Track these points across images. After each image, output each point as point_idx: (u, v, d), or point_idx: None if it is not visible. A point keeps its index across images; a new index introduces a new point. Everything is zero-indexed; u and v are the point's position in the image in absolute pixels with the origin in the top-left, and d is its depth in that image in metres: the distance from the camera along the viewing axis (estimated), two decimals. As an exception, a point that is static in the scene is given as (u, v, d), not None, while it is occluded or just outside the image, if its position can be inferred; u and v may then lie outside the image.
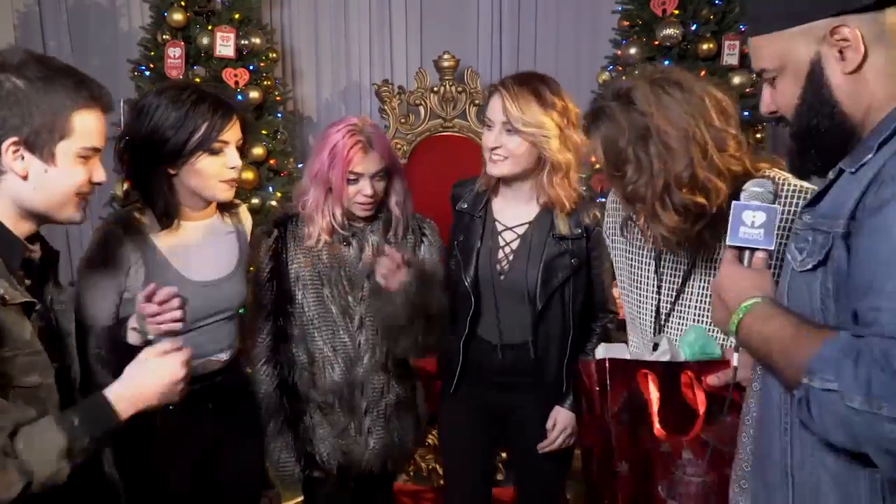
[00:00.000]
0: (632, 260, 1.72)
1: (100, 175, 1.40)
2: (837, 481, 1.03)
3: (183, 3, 3.30)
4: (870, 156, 1.02)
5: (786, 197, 1.45)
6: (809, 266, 1.05)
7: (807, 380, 0.94)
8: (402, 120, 3.59)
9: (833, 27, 1.04)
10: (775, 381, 1.10)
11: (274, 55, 3.56)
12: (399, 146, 3.58)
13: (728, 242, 1.23)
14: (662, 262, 1.65)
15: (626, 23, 3.34)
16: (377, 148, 1.94)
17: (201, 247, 1.84)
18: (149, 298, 1.48)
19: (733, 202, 1.25)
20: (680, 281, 1.63)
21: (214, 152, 1.74)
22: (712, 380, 1.41)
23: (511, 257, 1.98)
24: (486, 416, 2.08)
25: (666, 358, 1.47)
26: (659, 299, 1.66)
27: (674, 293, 1.64)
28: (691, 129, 1.41)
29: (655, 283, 1.66)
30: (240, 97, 3.31)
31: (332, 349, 1.98)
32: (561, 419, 2.00)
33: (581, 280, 1.98)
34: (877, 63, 1.05)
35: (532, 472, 2.10)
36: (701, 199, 1.43)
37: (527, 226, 1.99)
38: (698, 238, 1.52)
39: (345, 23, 3.93)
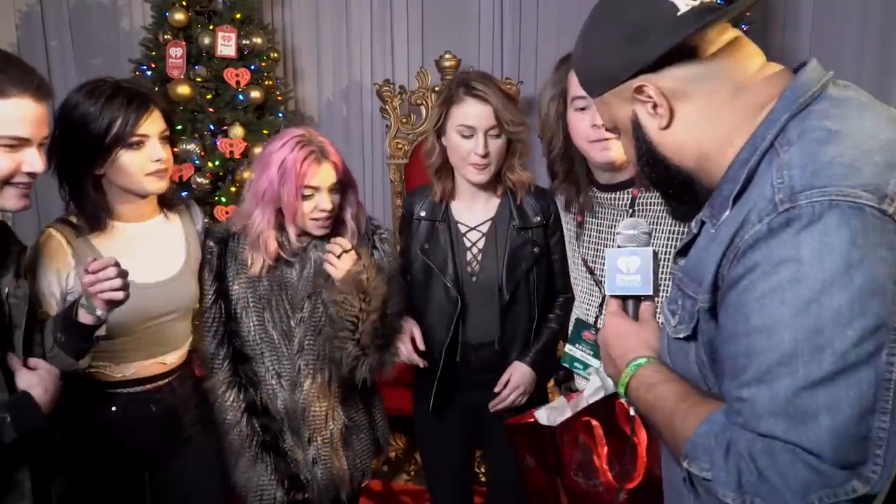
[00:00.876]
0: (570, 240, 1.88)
1: (33, 165, 1.37)
2: None
3: (184, 3, 3.30)
4: (727, 212, 0.95)
5: None
6: (682, 335, 1.00)
7: (685, 463, 0.90)
8: (404, 120, 3.59)
9: (636, 87, 1.02)
10: None
11: (275, 55, 3.56)
12: (400, 146, 3.59)
13: (607, 293, 1.19)
14: (588, 233, 1.80)
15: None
16: (331, 158, 1.83)
17: (143, 248, 1.78)
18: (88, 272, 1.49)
19: (606, 250, 1.21)
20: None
21: (134, 146, 1.68)
22: None
23: (480, 257, 1.99)
24: (465, 417, 2.09)
25: (601, 395, 1.43)
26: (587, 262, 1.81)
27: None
28: None
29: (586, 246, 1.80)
30: (241, 97, 3.32)
31: (275, 374, 1.88)
32: (516, 375, 1.99)
33: (543, 268, 2.00)
34: (688, 114, 1.01)
35: (505, 468, 2.03)
36: None
37: (489, 223, 2.00)
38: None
39: (346, 22, 3.92)
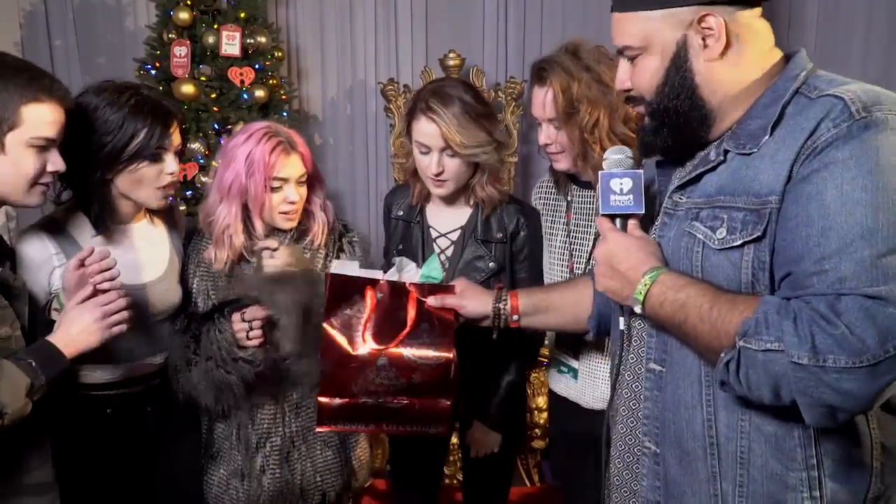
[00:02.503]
0: (549, 234, 1.98)
1: (56, 164, 1.51)
2: (773, 443, 1.10)
3: (189, 2, 3.30)
4: (765, 137, 1.10)
5: None
6: (737, 242, 1.08)
7: (742, 342, 1.01)
8: (408, 119, 3.59)
9: (701, 15, 1.11)
10: (695, 356, 1.14)
11: (279, 54, 3.56)
12: (404, 145, 3.57)
13: (601, 212, 1.25)
14: (573, 230, 1.94)
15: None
16: (298, 149, 1.81)
17: (130, 249, 1.79)
18: (78, 267, 1.53)
19: (600, 172, 1.26)
20: (590, 245, 1.90)
21: (154, 159, 1.70)
22: (433, 300, 1.61)
23: (447, 265, 1.99)
24: None
25: (394, 277, 1.68)
26: (571, 259, 1.92)
27: (585, 257, 1.91)
28: None
29: (569, 246, 1.93)
30: (245, 96, 3.32)
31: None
32: (479, 438, 2.04)
33: (504, 284, 1.95)
34: (735, 56, 1.14)
35: (483, 464, 2.11)
36: (631, 134, 1.72)
37: (459, 231, 1.99)
38: None
39: (350, 22, 3.92)
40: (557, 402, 2.05)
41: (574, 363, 1.95)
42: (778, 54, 1.18)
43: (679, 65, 1.15)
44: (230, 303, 1.79)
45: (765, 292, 1.07)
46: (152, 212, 1.87)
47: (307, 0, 3.91)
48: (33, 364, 1.41)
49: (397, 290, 1.64)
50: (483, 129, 1.84)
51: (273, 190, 1.77)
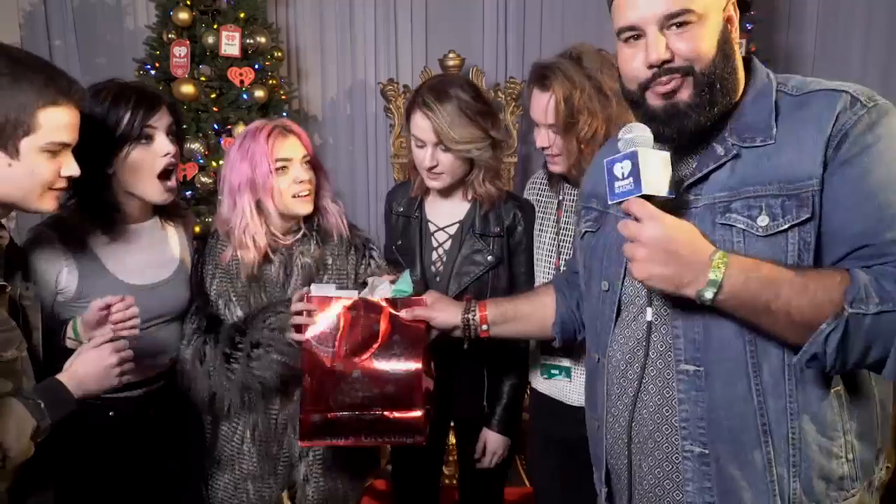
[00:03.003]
0: (538, 231, 2.00)
1: (70, 169, 1.43)
2: (818, 418, 1.16)
3: (188, 3, 3.30)
4: (774, 130, 1.17)
5: None
6: (785, 227, 1.12)
7: (851, 309, 1.05)
8: (408, 119, 3.59)
9: (732, 1, 1.21)
10: (740, 349, 1.16)
11: (279, 54, 3.56)
12: (404, 145, 3.58)
13: (642, 192, 1.15)
14: (562, 228, 1.95)
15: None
16: (295, 131, 1.83)
17: (139, 250, 1.78)
18: (103, 308, 1.52)
19: (638, 148, 1.18)
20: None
21: (143, 140, 1.69)
22: (405, 313, 1.69)
23: (445, 258, 2.00)
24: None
25: (368, 295, 1.74)
26: (559, 257, 1.94)
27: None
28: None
29: (557, 244, 1.95)
30: (245, 96, 3.32)
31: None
32: (490, 444, 2.04)
33: (500, 278, 1.98)
34: (736, 46, 1.23)
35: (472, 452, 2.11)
36: None
37: (457, 225, 2.01)
38: None
39: (350, 22, 3.92)
40: (541, 401, 2.06)
41: (566, 362, 1.96)
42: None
43: (726, 39, 1.20)
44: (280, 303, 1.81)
45: None
46: (162, 213, 1.86)
47: (307, 0, 3.91)
48: (42, 405, 1.36)
49: (371, 307, 1.72)
50: (478, 126, 1.86)
51: (279, 172, 1.77)
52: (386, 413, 1.68)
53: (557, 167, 1.90)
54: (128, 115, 1.66)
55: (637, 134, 1.20)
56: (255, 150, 1.76)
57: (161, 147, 1.71)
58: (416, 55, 3.94)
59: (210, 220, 2.03)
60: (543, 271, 1.99)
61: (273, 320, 1.75)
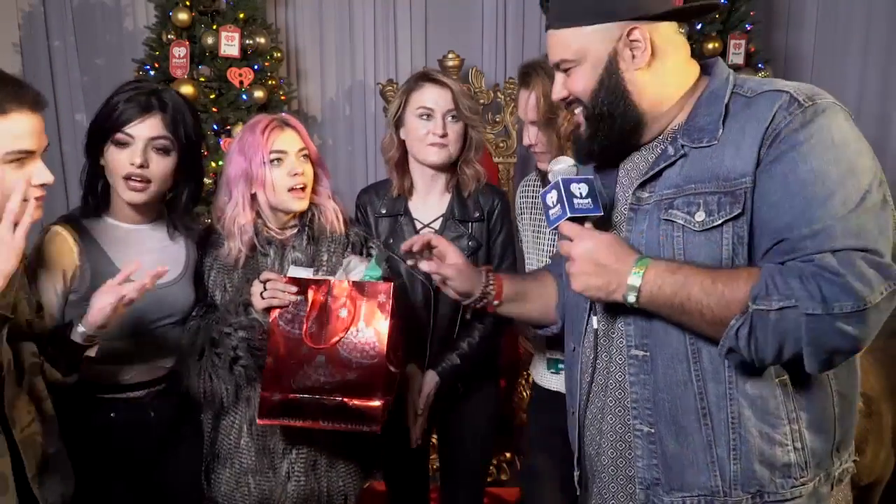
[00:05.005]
0: (536, 230, 2.06)
1: (41, 177, 1.39)
2: (759, 404, 1.21)
3: (188, 3, 3.30)
4: (720, 131, 1.22)
5: None
6: (718, 222, 1.19)
7: (755, 305, 1.11)
8: (407, 119, 3.59)
9: (629, 29, 1.25)
10: (679, 336, 1.24)
11: (278, 55, 3.56)
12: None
13: (569, 215, 1.29)
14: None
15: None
16: (292, 124, 1.84)
17: (147, 251, 1.79)
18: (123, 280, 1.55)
19: (560, 178, 1.31)
20: None
21: (118, 144, 1.69)
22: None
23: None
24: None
25: (342, 276, 1.78)
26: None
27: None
28: None
29: (556, 244, 1.93)
30: (245, 97, 3.32)
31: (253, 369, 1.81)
32: (426, 384, 2.03)
33: (479, 261, 2.01)
34: (658, 66, 1.27)
35: (458, 446, 2.18)
36: None
37: (441, 219, 2.07)
38: None
39: (349, 22, 3.92)
40: (545, 396, 2.08)
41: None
42: (695, 64, 1.34)
43: (611, 73, 1.27)
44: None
45: (743, 265, 1.18)
46: (169, 215, 1.87)
47: (306, 1, 3.91)
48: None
49: (339, 289, 1.73)
50: (476, 102, 2.02)
51: (273, 164, 1.78)
52: (346, 400, 1.69)
53: (543, 164, 1.94)
54: (115, 113, 1.69)
55: (561, 166, 1.35)
56: (251, 142, 1.79)
57: (132, 156, 1.69)
58: (415, 56, 3.94)
59: (210, 220, 2.04)
60: None
61: (241, 309, 1.78)
